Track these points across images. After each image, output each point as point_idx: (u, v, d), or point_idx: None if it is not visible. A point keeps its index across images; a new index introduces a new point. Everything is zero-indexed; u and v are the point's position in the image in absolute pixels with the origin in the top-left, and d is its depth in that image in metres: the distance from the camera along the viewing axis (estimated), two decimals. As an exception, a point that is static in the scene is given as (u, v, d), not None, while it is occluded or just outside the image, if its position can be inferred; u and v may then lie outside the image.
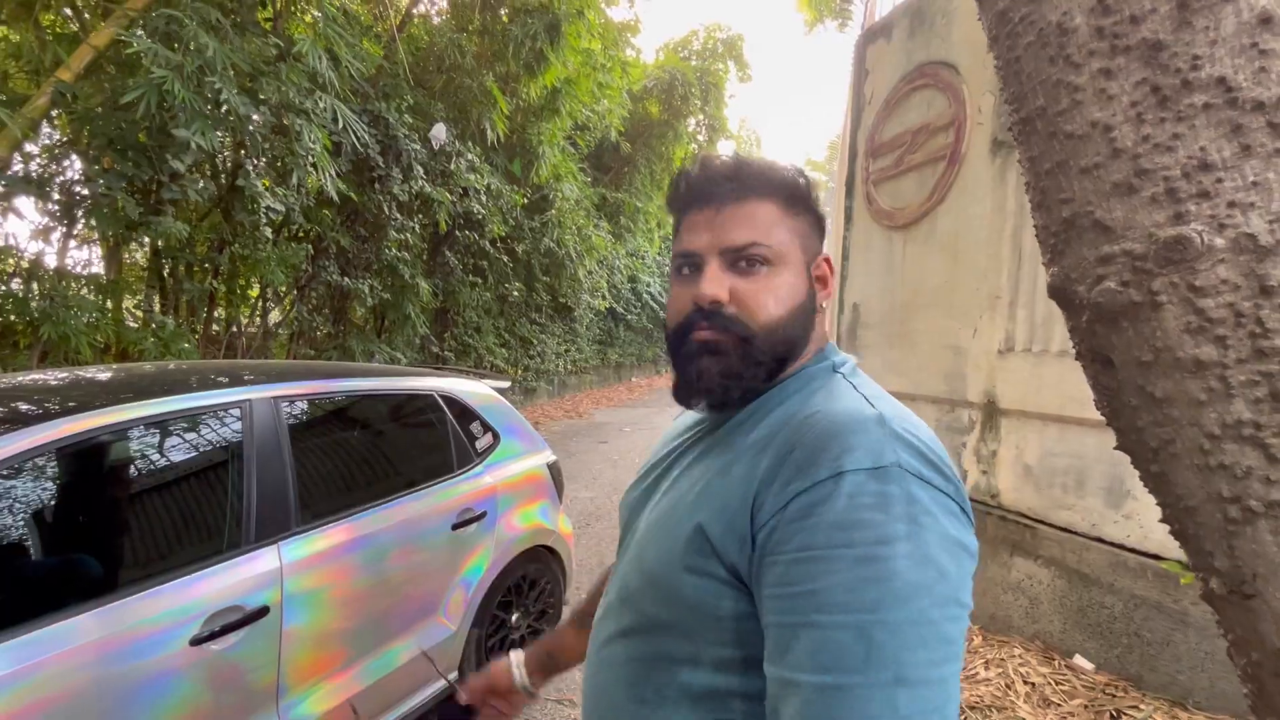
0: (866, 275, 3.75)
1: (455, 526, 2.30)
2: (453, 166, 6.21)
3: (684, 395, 0.69)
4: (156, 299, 5.39)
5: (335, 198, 4.87)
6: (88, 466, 1.59)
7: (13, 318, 4.14)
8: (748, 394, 0.66)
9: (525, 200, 7.98)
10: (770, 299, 0.64)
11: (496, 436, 2.69)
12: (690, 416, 0.78)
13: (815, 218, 0.70)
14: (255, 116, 4.29)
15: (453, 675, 0.82)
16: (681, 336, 0.66)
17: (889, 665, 0.48)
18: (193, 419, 1.74)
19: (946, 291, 3.14)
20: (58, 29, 5.18)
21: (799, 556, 0.52)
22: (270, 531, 1.75)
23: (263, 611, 1.65)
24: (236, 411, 1.80)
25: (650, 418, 10.10)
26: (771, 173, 0.67)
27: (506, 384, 2.96)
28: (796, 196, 0.68)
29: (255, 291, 6.05)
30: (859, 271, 3.84)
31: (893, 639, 0.48)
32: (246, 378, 1.93)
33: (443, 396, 2.52)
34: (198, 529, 1.68)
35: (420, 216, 6.18)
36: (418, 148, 5.77)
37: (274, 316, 6.73)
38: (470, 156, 6.54)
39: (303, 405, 2.07)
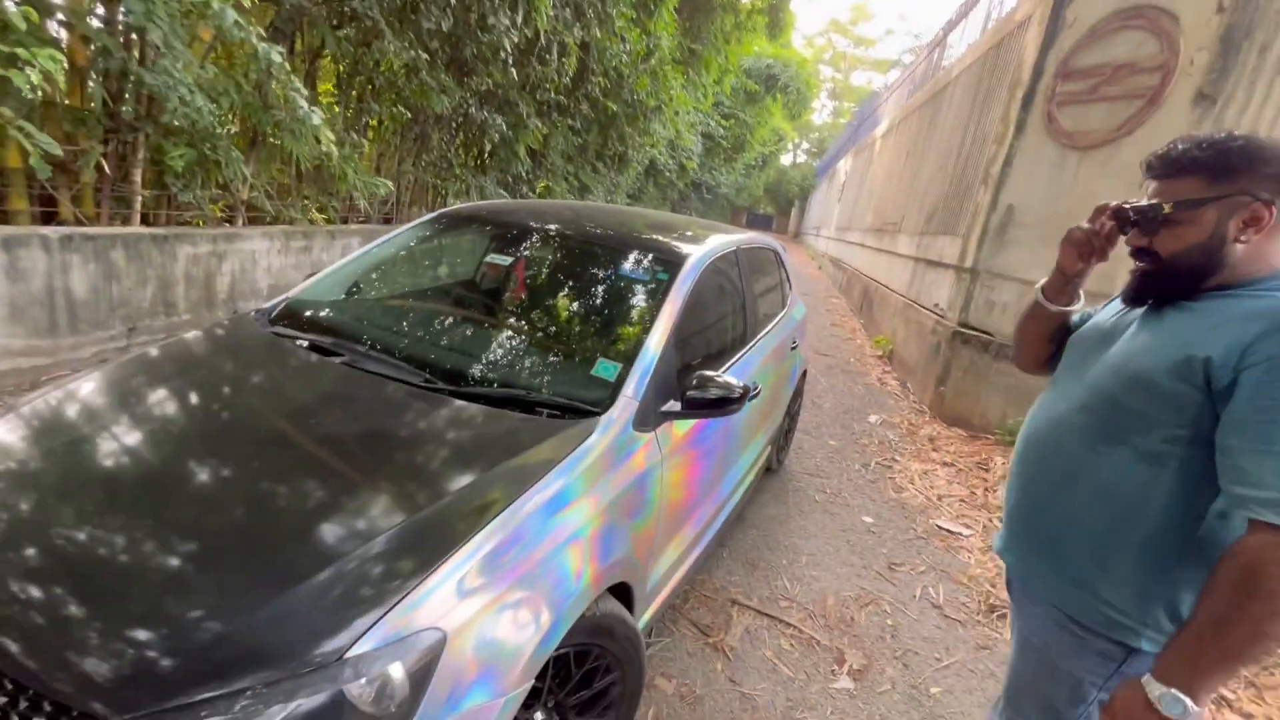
0: (1029, 181, 4.52)
1: (791, 348, 3.22)
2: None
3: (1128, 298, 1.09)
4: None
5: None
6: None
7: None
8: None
9: (645, 50, 8.00)
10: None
11: (790, 283, 3.53)
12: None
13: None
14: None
15: None
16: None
17: None
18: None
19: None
20: None
21: (1269, 401, 0.82)
22: (754, 336, 2.62)
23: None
24: (734, 256, 2.55)
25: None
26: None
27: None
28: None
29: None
30: (1021, 177, 4.59)
31: None
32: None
33: (774, 250, 3.30)
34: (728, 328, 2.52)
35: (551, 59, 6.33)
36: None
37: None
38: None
39: (741, 253, 2.78)
